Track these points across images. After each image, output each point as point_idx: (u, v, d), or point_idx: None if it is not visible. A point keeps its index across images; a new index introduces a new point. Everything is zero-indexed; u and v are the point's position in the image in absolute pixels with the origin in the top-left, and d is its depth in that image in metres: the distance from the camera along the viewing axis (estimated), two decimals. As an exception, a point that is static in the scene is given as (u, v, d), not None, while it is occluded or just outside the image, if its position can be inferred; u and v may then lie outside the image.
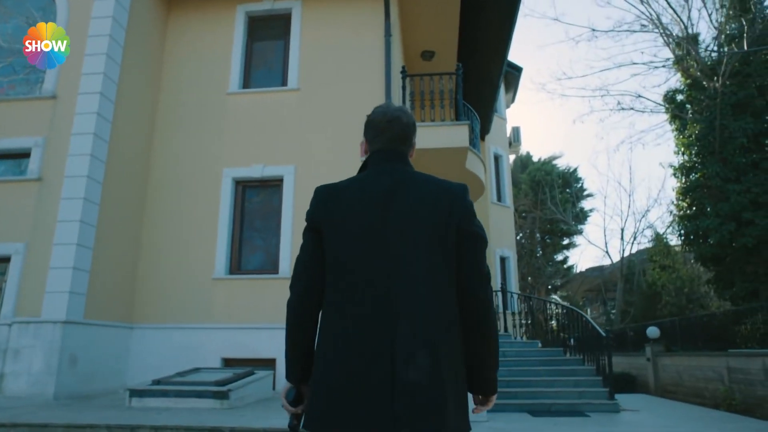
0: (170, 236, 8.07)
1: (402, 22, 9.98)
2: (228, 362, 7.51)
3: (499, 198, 16.67)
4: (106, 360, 7.08)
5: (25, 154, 7.29)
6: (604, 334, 8.20)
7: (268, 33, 9.33)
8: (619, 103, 21.86)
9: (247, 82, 8.94)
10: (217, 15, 9.15)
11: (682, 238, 15.40)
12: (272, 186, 8.37)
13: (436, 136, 8.54)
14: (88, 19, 7.68)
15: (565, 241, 30.50)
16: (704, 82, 14.19)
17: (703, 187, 14.45)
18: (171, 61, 8.95)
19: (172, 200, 8.24)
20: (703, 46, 15.37)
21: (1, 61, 8.00)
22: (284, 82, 8.78)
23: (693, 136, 14.71)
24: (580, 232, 28.98)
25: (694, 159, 14.82)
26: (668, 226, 22.10)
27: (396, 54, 8.98)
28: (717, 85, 13.42)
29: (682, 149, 15.26)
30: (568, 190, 29.61)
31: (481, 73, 11.80)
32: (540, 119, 61.69)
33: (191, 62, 8.91)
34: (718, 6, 14.75)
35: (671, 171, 15.63)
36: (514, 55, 67.80)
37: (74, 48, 7.56)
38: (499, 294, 12.31)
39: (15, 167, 7.39)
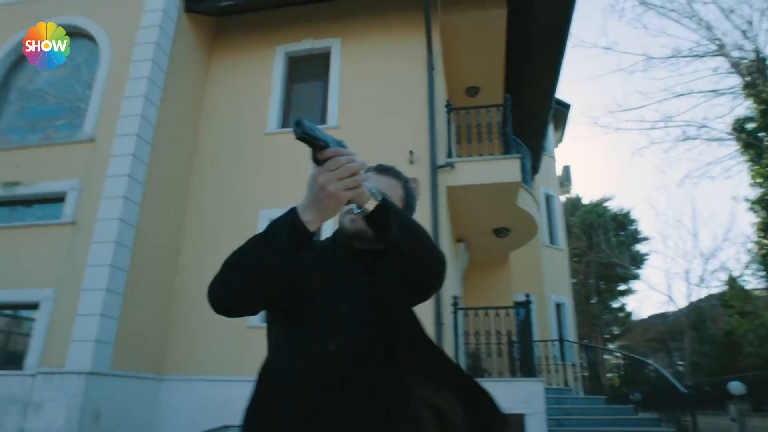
0: (204, 281, 7.55)
1: (445, 57, 9.61)
2: (262, 419, 6.87)
3: (552, 240, 15.71)
4: (132, 415, 6.58)
5: (60, 198, 7.14)
6: (684, 390, 7.24)
7: (307, 72, 9.16)
8: (684, 132, 20.33)
9: (286, 122, 8.71)
10: (257, 56, 9.07)
11: (766, 279, 13.87)
12: (311, 228, 7.92)
13: (484, 171, 8.00)
14: (129, 63, 7.67)
15: (622, 287, 28.75)
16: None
17: (788, 222, 13.05)
18: (210, 103, 8.84)
19: (207, 243, 7.88)
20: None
21: (45, 107, 8.07)
22: (323, 120, 8.47)
23: (771, 166, 13.42)
24: (638, 277, 27.20)
25: (774, 190, 13.46)
26: (745, 267, 20.23)
27: (439, 88, 8.58)
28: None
29: (760, 180, 13.91)
30: (622, 232, 28.11)
31: (528, 110, 11.23)
32: (590, 158, 60.24)
33: (230, 104, 8.78)
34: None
35: (748, 205, 14.27)
36: (561, 90, 67.16)
37: (114, 92, 7.55)
38: (557, 344, 11.32)
39: (51, 211, 7.24)
